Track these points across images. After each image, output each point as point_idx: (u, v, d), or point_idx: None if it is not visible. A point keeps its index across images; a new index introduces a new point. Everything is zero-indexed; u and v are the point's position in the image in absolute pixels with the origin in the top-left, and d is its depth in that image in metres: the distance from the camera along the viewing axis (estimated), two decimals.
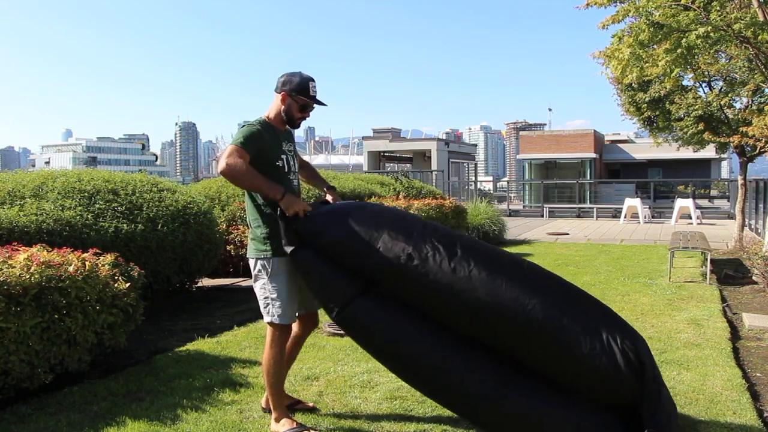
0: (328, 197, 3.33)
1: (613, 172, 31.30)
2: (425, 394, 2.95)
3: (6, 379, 3.39)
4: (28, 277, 3.42)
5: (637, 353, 2.51)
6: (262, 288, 3.13)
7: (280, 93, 3.13)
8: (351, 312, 2.78)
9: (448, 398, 2.77)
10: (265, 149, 3.04)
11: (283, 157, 3.15)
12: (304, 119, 3.19)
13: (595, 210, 20.61)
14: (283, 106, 3.13)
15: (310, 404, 3.43)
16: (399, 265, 2.69)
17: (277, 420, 3.10)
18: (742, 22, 6.39)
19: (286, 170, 3.16)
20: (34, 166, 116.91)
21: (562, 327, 2.52)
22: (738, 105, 11.20)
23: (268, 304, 3.10)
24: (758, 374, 4.13)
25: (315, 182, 3.53)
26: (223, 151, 2.97)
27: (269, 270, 3.09)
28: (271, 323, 3.11)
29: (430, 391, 2.83)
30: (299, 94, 3.10)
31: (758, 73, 8.64)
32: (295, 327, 3.29)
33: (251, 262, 3.21)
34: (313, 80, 3.13)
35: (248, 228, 3.25)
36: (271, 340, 3.11)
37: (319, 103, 3.19)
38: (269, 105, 3.20)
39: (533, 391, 2.60)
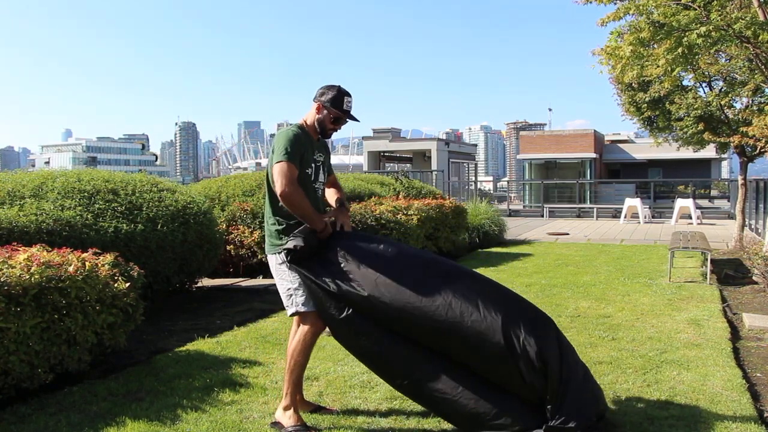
0: (337, 217, 3.30)
1: (613, 172, 31.32)
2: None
3: (6, 379, 3.39)
4: (28, 277, 3.42)
5: (540, 353, 2.76)
6: (283, 280, 3.16)
7: (316, 103, 3.24)
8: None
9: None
10: (302, 156, 3.15)
11: (313, 165, 3.25)
12: (336, 131, 3.30)
13: (595, 210, 20.61)
14: (318, 116, 3.24)
15: (333, 408, 3.42)
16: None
17: (285, 409, 3.13)
18: (743, 21, 6.39)
19: (313, 179, 3.26)
20: (33, 166, 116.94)
21: (462, 327, 2.81)
22: (738, 105, 11.20)
23: (291, 295, 3.13)
24: (758, 374, 4.13)
25: (334, 197, 3.50)
26: (276, 167, 3.05)
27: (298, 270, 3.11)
28: (296, 313, 3.14)
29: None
30: (333, 107, 3.20)
31: (758, 73, 8.63)
32: (294, 326, 3.29)
33: (269, 259, 3.25)
34: (349, 95, 3.24)
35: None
36: (301, 332, 3.13)
37: (352, 118, 3.27)
38: (307, 111, 3.31)
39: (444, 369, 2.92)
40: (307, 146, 3.18)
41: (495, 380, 2.86)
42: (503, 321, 2.82)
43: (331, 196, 3.49)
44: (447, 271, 3.07)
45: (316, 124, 3.25)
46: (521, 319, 2.87)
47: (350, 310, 2.98)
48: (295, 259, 3.03)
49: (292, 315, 3.18)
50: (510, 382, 2.83)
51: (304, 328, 3.14)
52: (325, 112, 3.22)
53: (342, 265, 3.00)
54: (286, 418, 3.10)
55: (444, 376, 2.89)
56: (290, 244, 3.02)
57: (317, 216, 3.10)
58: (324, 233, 3.09)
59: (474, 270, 3.19)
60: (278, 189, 3.02)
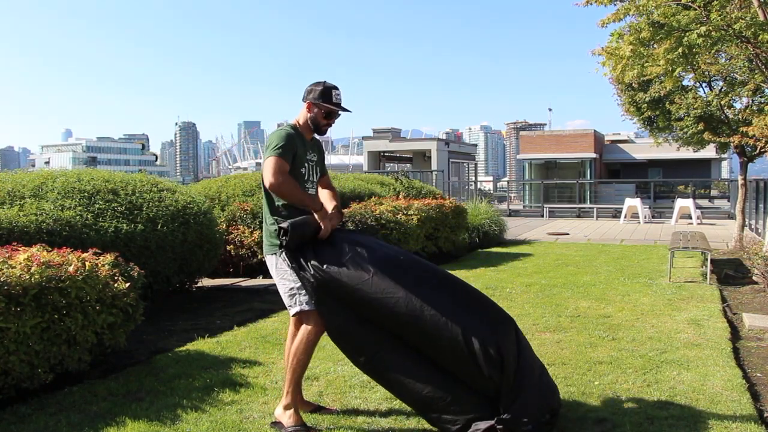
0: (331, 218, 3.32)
1: (613, 172, 31.33)
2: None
3: (6, 379, 3.39)
4: (28, 277, 3.42)
5: (498, 348, 2.88)
6: (285, 280, 3.15)
7: (306, 102, 3.27)
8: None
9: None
10: (295, 155, 3.17)
11: (306, 164, 3.27)
12: (330, 126, 3.32)
13: (595, 210, 20.61)
14: (309, 115, 3.27)
15: (333, 408, 3.42)
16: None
17: (285, 408, 3.13)
18: (743, 22, 6.39)
19: (306, 178, 3.28)
20: (33, 166, 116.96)
21: (421, 321, 2.91)
22: (738, 105, 11.20)
23: (294, 294, 3.13)
24: (758, 374, 4.13)
25: (331, 205, 3.52)
26: (265, 162, 3.08)
27: (287, 261, 3.13)
28: (301, 312, 3.13)
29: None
30: (323, 102, 3.22)
31: (758, 73, 8.63)
32: (291, 326, 3.30)
33: (268, 259, 3.26)
34: (336, 88, 3.26)
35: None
36: (304, 331, 3.13)
37: (343, 109, 3.29)
38: (299, 112, 3.33)
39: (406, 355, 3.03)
40: (300, 146, 3.20)
41: (453, 371, 2.96)
42: (463, 318, 2.94)
43: (326, 200, 3.49)
44: (416, 267, 3.14)
45: (309, 122, 3.27)
46: (481, 317, 2.99)
47: (321, 290, 3.05)
48: (288, 242, 3.05)
49: (296, 314, 3.17)
50: (467, 375, 2.93)
51: (307, 327, 3.13)
52: (316, 109, 3.24)
53: (318, 250, 3.08)
54: (286, 418, 3.10)
55: (402, 361, 3.02)
56: (283, 225, 3.04)
57: (312, 198, 3.13)
58: (322, 214, 3.12)
59: (449, 271, 3.29)
60: (266, 181, 3.04)
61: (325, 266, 3.02)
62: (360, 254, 3.07)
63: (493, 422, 2.88)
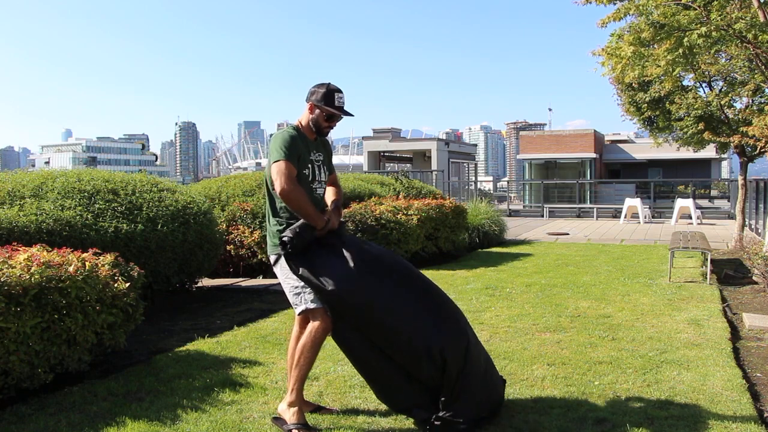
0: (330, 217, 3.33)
1: (613, 172, 31.32)
2: None
3: (6, 379, 3.39)
4: (28, 277, 3.42)
5: (442, 350, 3.01)
6: (290, 278, 3.16)
7: (308, 103, 3.27)
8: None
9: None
10: (299, 157, 3.17)
11: (310, 165, 3.27)
12: (331, 128, 3.32)
13: (595, 210, 20.61)
14: (311, 116, 3.27)
15: (333, 408, 3.42)
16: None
17: (290, 405, 3.13)
18: (743, 22, 6.39)
19: (311, 179, 3.28)
20: (33, 166, 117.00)
21: (374, 315, 3.05)
22: (738, 105, 11.20)
23: (299, 293, 3.13)
24: (758, 374, 4.13)
25: (331, 199, 3.54)
26: (273, 166, 3.09)
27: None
28: (306, 310, 3.13)
29: None
30: (325, 105, 3.22)
31: (758, 73, 8.63)
32: (296, 326, 3.30)
33: (272, 259, 3.28)
34: (339, 91, 3.26)
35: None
36: (311, 328, 3.13)
37: (346, 113, 3.29)
38: (301, 112, 3.34)
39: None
40: (303, 147, 3.21)
41: (401, 364, 3.10)
42: (418, 319, 3.06)
43: (329, 196, 3.49)
44: (383, 264, 3.19)
45: (311, 123, 3.27)
46: (438, 321, 3.09)
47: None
48: (290, 250, 3.07)
49: (301, 313, 3.17)
50: (413, 369, 3.07)
51: (314, 324, 3.13)
52: (318, 111, 3.24)
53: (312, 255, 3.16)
54: (290, 414, 3.11)
55: (362, 345, 3.14)
56: (286, 237, 3.06)
57: (317, 214, 3.13)
58: (323, 231, 3.14)
59: (418, 270, 3.36)
60: (277, 187, 3.05)
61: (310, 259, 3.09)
62: (333, 244, 3.14)
63: (431, 417, 3.05)
